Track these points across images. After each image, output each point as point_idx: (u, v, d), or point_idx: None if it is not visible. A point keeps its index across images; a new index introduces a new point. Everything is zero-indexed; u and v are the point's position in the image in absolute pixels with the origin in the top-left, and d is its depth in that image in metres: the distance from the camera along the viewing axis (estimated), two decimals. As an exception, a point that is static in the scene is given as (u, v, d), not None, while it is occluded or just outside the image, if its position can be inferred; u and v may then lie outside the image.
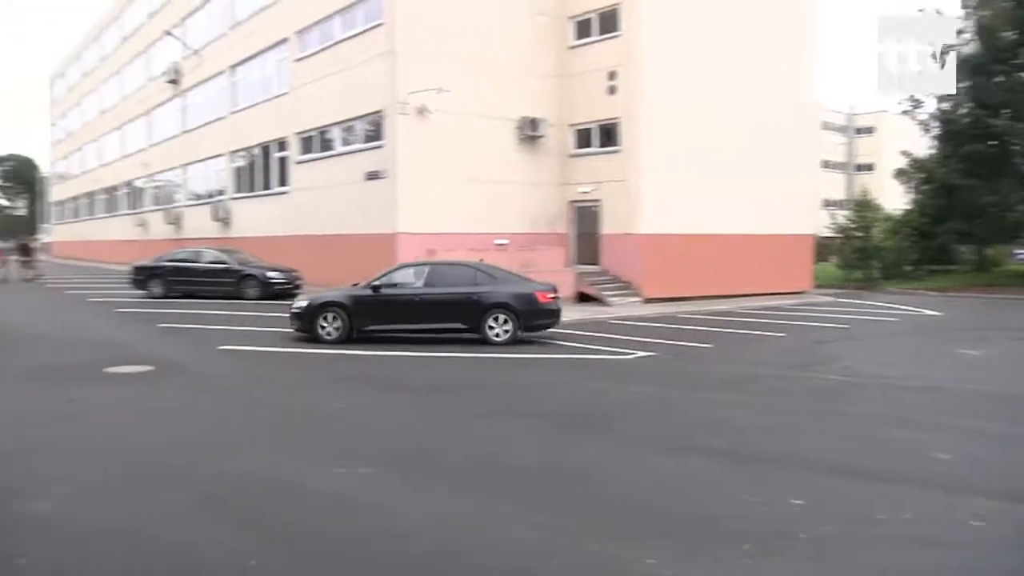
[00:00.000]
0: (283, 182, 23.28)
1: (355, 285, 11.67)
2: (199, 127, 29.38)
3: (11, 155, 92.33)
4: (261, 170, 24.73)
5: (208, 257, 18.78)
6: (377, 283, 11.41)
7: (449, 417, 6.78)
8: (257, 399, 7.53)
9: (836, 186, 47.66)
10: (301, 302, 11.59)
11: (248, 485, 4.76)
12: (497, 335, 11.08)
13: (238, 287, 17.73)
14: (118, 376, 8.44)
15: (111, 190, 41.45)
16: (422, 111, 17.98)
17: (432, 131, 18.15)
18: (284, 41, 23.24)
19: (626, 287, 18.92)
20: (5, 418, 6.59)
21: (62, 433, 6.04)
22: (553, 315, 11.54)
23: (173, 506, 4.33)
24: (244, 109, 25.72)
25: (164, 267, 18.62)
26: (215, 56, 27.56)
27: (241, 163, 26.24)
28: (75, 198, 49.69)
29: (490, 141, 19.21)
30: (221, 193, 27.50)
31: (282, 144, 23.28)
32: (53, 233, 55.71)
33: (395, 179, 18.10)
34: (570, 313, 15.38)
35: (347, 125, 20.32)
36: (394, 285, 11.42)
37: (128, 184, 38.50)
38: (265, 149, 24.38)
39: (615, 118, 19.45)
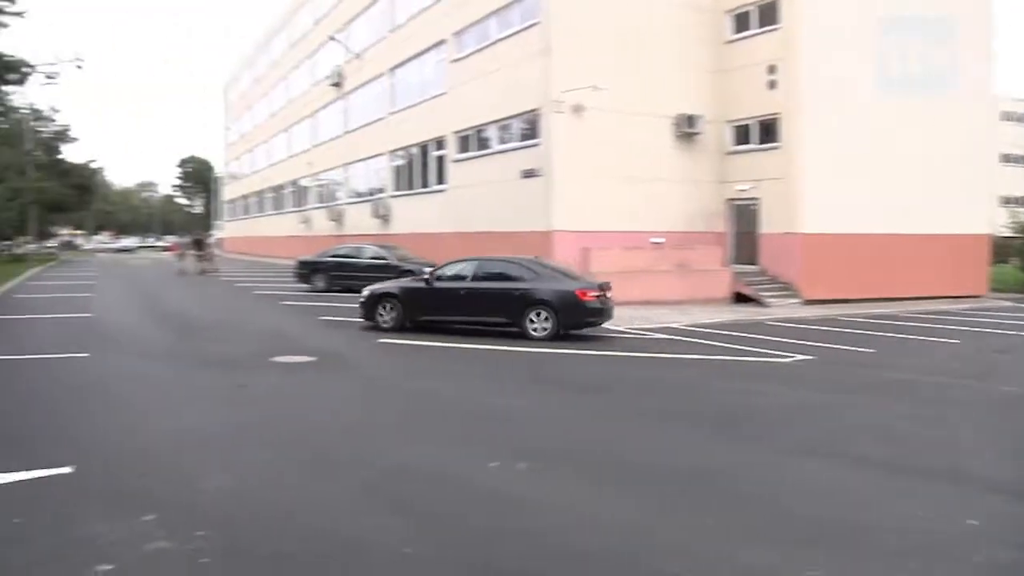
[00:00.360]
0: (440, 180, 25.35)
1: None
2: (360, 128, 32.54)
3: (191, 157, 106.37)
4: (419, 168, 27.08)
5: (368, 253, 20.25)
6: (432, 276, 12.45)
7: (605, 418, 6.90)
8: (413, 390, 7.90)
9: (1018, 181, 43.51)
10: (365, 291, 12.83)
11: (405, 474, 5.03)
12: (536, 330, 11.54)
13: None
14: (284, 365, 9.12)
15: (278, 189, 46.61)
16: (577, 109, 19.03)
17: (588, 129, 19.19)
18: (442, 43, 25.33)
19: (785, 288, 19.03)
20: (184, 401, 7.29)
21: (234, 417, 6.61)
22: (596, 313, 11.76)
23: (335, 491, 4.70)
24: (403, 110, 28.22)
25: (326, 262, 20.54)
26: (375, 59, 30.47)
27: (400, 162, 28.83)
28: (245, 196, 56.19)
29: (646, 139, 19.97)
30: (381, 191, 30.32)
31: (440, 143, 25.41)
32: (224, 229, 63.68)
33: (550, 177, 19.30)
34: (726, 314, 16.06)
35: (503, 124, 21.84)
36: (446, 278, 12.33)
37: (294, 183, 43.14)
38: (423, 148, 26.67)
39: (775, 113, 19.60)
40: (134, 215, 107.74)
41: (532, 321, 11.69)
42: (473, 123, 23.20)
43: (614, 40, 19.55)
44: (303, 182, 41.37)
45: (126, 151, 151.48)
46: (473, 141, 23.53)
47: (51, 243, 74.81)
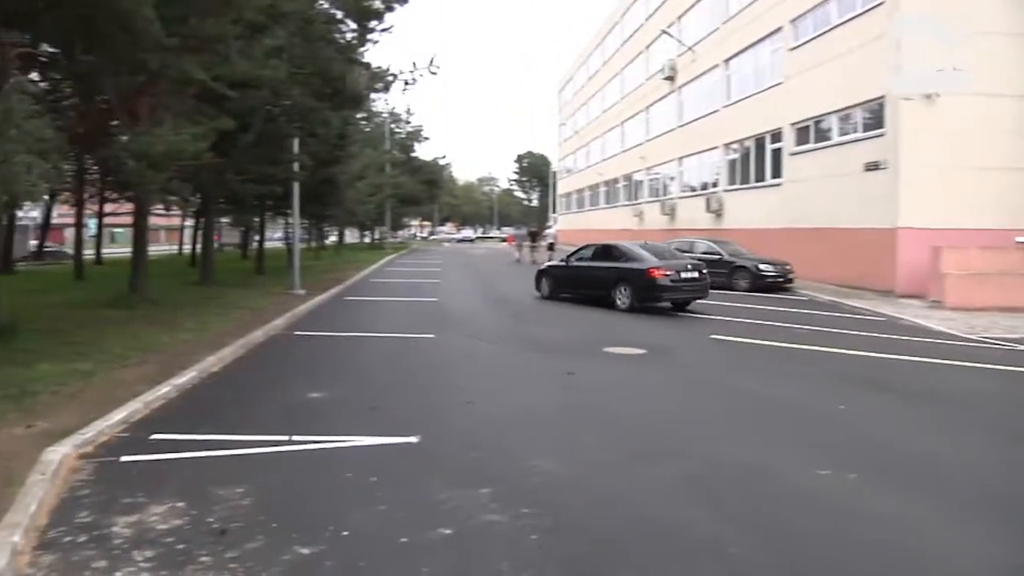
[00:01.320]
0: (776, 174, 27.10)
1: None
2: (693, 121, 35.48)
3: (527, 152, 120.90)
4: (754, 162, 29.09)
5: (701, 247, 21.82)
6: (568, 257, 17.39)
7: (962, 431, 6.84)
8: (744, 389, 8.29)
9: None
10: (541, 267, 18.66)
11: (730, 471, 5.38)
12: (621, 303, 15.52)
13: (729, 278, 20.32)
14: (614, 356, 10.14)
15: (611, 183, 51.80)
16: (928, 95, 19.42)
17: (939, 116, 19.41)
18: (777, 31, 27.11)
19: None
20: (516, 383, 8.42)
21: (562, 402, 7.48)
22: (664, 290, 15.01)
23: (658, 481, 5.15)
24: (738, 102, 30.43)
25: None
26: (709, 51, 33.12)
27: (734, 155, 31.11)
28: (579, 190, 62.94)
29: (1009, 127, 19.51)
30: (714, 185, 32.92)
31: (776, 135, 27.21)
32: (559, 222, 72.01)
33: (896, 170, 19.86)
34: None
35: (844, 113, 22.80)
36: (576, 259, 17.12)
37: (627, 177, 47.79)
38: (759, 141, 28.67)
39: None
40: (475, 208, 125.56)
41: (619, 295, 15.66)
42: (811, 113, 24.46)
43: (968, 16, 19.38)
44: (636, 176, 45.65)
45: (469, 148, 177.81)
46: (811, 132, 24.79)
47: (403, 233, 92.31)
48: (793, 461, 5.75)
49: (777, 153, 26.98)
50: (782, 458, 5.82)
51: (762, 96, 28.11)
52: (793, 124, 25.72)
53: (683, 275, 15.21)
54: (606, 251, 16.70)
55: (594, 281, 16.47)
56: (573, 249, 18.89)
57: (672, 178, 38.84)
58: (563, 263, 17.63)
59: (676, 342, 11.67)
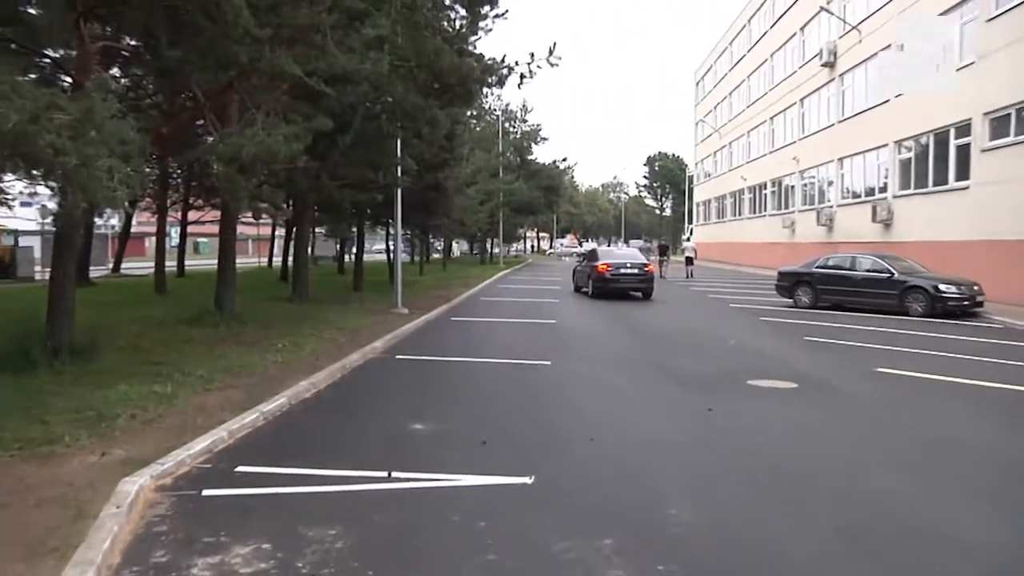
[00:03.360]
0: (962, 175, 25.49)
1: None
2: (858, 114, 34.10)
3: (659, 154, 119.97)
4: (933, 161, 27.53)
5: (866, 264, 21.20)
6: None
7: None
8: (918, 432, 8.06)
9: None
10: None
11: (891, 526, 5.28)
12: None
13: (900, 301, 19.67)
14: (760, 390, 10.06)
15: (757, 189, 50.64)
16: None
17: None
18: (964, 1, 25.77)
19: None
20: (645, 418, 8.50)
21: (699, 441, 7.50)
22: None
23: (807, 533, 5.16)
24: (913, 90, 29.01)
25: (814, 274, 22.29)
26: (877, 29, 31.61)
27: (908, 154, 29.61)
28: (719, 198, 61.91)
29: None
30: (883, 190, 31.55)
31: (963, 128, 25.50)
32: (695, 234, 70.99)
33: None
34: None
35: None
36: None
37: (776, 182, 46.59)
38: (940, 136, 27.04)
39: None
40: (599, 218, 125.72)
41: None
42: (1013, 99, 22.87)
43: None
44: (787, 181, 44.49)
45: (593, 150, 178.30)
46: (1012, 123, 23.18)
47: (517, 245, 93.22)
48: (970, 518, 5.52)
49: (964, 150, 25.51)
50: (956, 513, 5.64)
51: (946, 81, 26.45)
52: (987, 114, 24.20)
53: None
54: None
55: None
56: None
57: (830, 182, 37.73)
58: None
59: (833, 374, 11.43)
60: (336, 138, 15.86)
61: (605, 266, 25.29)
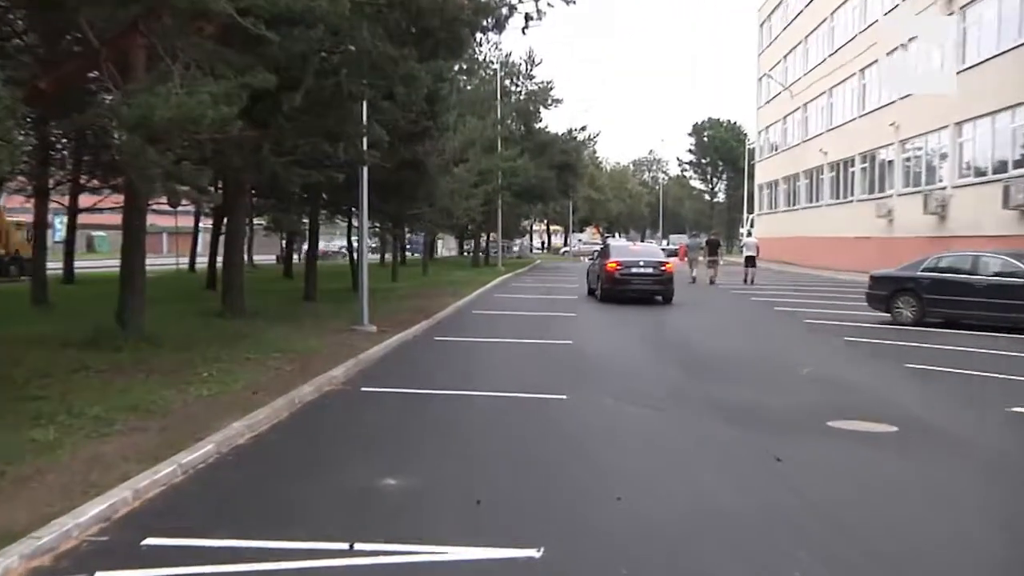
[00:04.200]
0: None
1: None
2: (980, 63, 34.18)
3: (708, 121, 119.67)
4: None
5: (994, 266, 20.95)
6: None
7: None
8: None
9: None
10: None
11: None
12: None
13: None
14: (843, 433, 10.10)
15: (840, 165, 50.77)
16: None
17: None
18: None
19: None
20: (688, 471, 8.51)
21: (764, 505, 7.43)
22: None
23: None
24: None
25: (920, 279, 22.04)
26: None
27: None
28: (789, 178, 62.23)
29: None
30: (1018, 165, 31.51)
31: None
32: (756, 227, 70.86)
33: None
34: None
35: None
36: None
37: (867, 156, 46.75)
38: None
39: None
40: (629, 206, 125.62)
41: None
42: None
43: None
44: (883, 154, 44.63)
45: (621, 115, 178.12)
46: None
47: (522, 242, 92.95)
48: None
49: None
50: None
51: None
52: None
53: None
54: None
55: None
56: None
57: (943, 156, 37.85)
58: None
59: (948, 416, 11.40)
60: (281, 99, 15.74)
61: (614, 264, 27.49)
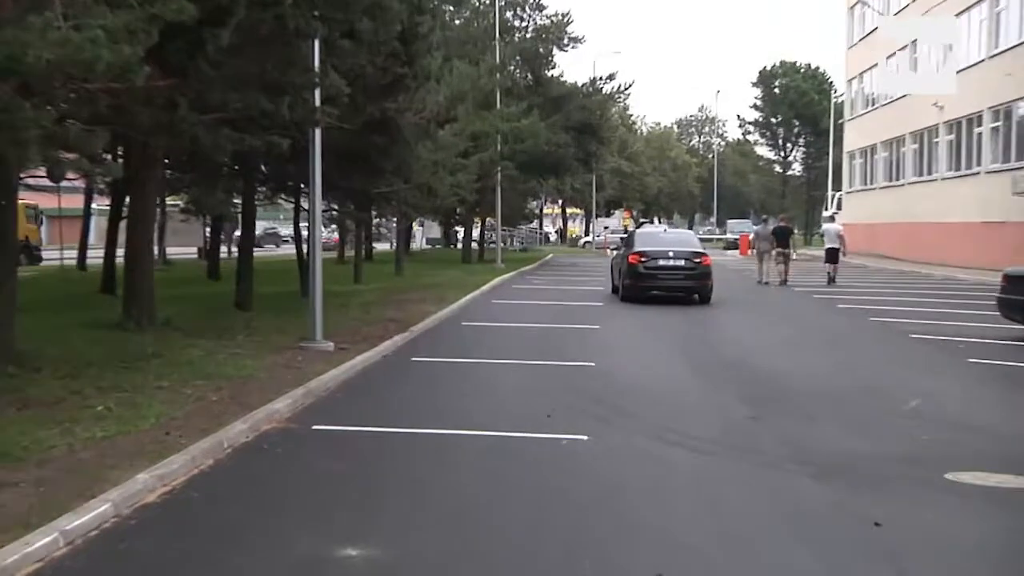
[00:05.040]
0: None
1: None
2: None
3: (782, 65, 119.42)
4: None
5: None
6: None
7: None
8: None
9: None
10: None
11: None
12: None
13: None
14: (966, 488, 10.04)
15: (961, 124, 50.92)
16: None
17: None
18: None
19: None
20: (758, 538, 8.62)
21: None
22: None
23: None
24: None
25: None
26: None
27: None
28: (890, 142, 62.46)
29: None
30: None
31: None
32: (845, 206, 70.64)
33: None
34: None
35: None
36: None
37: (999, 111, 46.79)
38: None
39: None
40: (673, 181, 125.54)
41: None
42: None
43: None
44: (1022, 109, 44.71)
45: (662, 61, 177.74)
46: None
47: (528, 228, 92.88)
48: None
49: None
50: None
51: None
52: None
53: None
54: None
55: None
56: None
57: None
58: None
59: None
60: (204, 37, 15.70)
61: (637, 256, 29.33)
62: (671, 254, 28.86)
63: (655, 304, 29.21)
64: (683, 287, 28.83)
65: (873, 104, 66.89)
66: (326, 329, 19.66)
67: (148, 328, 19.92)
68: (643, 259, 28.63)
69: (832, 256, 39.18)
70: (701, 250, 29.53)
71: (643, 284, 28.67)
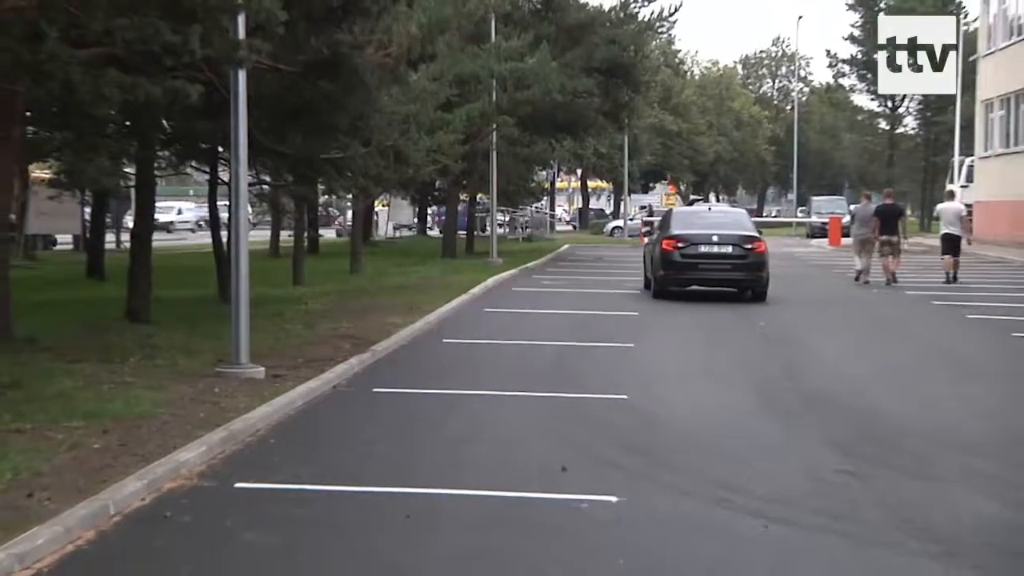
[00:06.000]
0: None
1: None
2: None
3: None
4: None
5: None
6: None
7: None
8: None
9: None
10: None
11: None
12: None
13: None
14: None
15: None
16: None
17: None
18: None
19: None
20: None
21: None
22: None
23: None
24: None
25: None
26: None
27: None
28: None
29: None
30: None
31: None
32: (977, 178, 70.67)
33: None
34: None
35: None
36: None
37: None
38: None
39: None
40: (736, 143, 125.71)
41: None
42: None
43: None
44: None
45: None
46: None
47: (535, 209, 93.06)
48: None
49: None
50: None
51: None
52: None
53: None
54: None
55: None
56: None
57: None
58: None
59: None
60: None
61: (672, 241, 31.21)
62: (715, 238, 29.95)
63: (710, 315, 29.63)
64: (730, 279, 30.06)
65: (1021, 32, 66.53)
66: (255, 349, 19.73)
67: (5, 343, 19.93)
68: (680, 245, 29.79)
69: (951, 246, 39.10)
70: (754, 233, 30.67)
71: (680, 276, 29.81)
